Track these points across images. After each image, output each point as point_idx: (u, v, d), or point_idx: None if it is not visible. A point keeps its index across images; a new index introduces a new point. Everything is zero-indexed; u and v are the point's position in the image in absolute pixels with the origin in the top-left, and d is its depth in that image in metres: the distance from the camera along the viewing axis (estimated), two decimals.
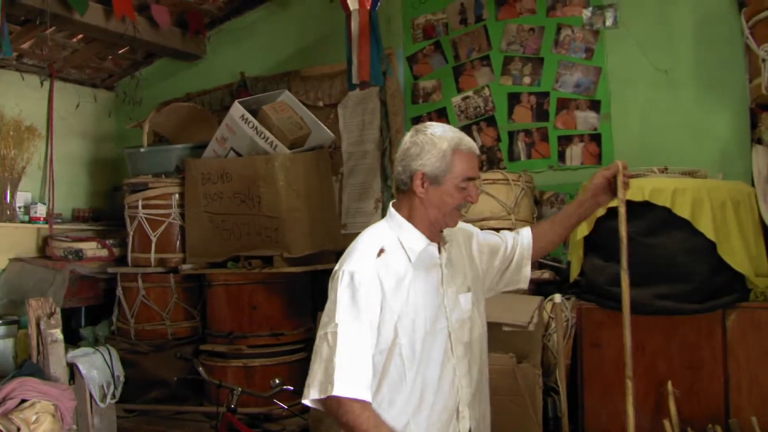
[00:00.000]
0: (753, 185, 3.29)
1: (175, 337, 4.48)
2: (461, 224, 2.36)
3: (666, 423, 3.01)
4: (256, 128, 4.21)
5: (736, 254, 3.03)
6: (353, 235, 4.70)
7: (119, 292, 4.58)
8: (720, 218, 3.02)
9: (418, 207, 2.18)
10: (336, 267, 2.15)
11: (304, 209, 4.18)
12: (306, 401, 2.04)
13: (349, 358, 2.00)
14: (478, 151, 2.21)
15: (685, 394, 3.07)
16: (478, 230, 2.46)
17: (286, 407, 3.61)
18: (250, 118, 4.22)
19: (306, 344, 4.29)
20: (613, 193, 2.38)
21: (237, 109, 4.22)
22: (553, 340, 3.31)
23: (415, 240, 2.17)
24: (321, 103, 4.94)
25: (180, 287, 4.50)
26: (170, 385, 4.28)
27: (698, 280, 3.02)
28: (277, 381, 3.47)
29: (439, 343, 2.16)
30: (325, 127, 4.46)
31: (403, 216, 2.20)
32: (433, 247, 2.21)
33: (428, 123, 2.22)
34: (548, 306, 3.38)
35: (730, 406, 3.05)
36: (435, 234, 2.22)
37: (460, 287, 2.27)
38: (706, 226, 2.99)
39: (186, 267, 4.42)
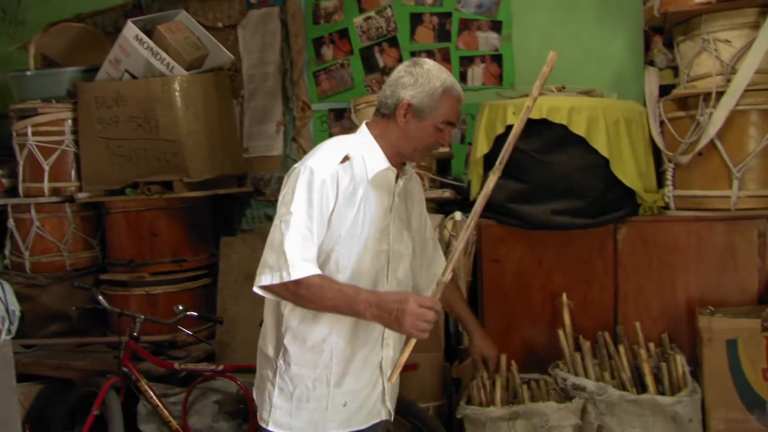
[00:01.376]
0: (645, 105, 3.39)
1: (74, 268, 4.34)
2: (420, 184, 2.51)
3: (560, 332, 3.15)
4: (152, 49, 4.05)
5: (628, 171, 3.13)
6: (256, 159, 4.71)
7: (11, 224, 4.38)
8: (613, 136, 3.10)
9: (392, 132, 2.22)
10: (296, 164, 2.19)
11: (203, 132, 4.09)
12: (256, 288, 2.10)
13: (302, 243, 2.05)
14: (464, 100, 2.29)
15: (578, 305, 3.20)
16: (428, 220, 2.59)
17: (190, 333, 3.60)
18: (145, 38, 4.05)
19: (210, 270, 4.26)
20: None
21: (130, 29, 4.03)
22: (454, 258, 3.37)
23: (378, 159, 2.21)
24: (220, 24, 4.77)
25: (77, 216, 4.36)
26: (71, 318, 4.19)
27: (592, 196, 3.11)
28: (181, 307, 3.45)
29: (376, 264, 2.23)
30: (224, 48, 4.33)
31: (373, 135, 2.23)
32: (392, 173, 2.25)
33: (425, 59, 2.27)
34: (449, 224, 3.43)
35: (618, 315, 3.22)
36: (397, 163, 2.26)
37: (406, 224, 2.34)
38: (600, 144, 3.06)
39: (82, 195, 4.27)
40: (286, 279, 2.02)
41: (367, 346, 2.26)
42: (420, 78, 2.19)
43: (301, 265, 2.03)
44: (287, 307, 2.20)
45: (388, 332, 2.28)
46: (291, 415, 2.22)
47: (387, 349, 2.31)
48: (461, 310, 2.73)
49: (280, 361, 2.22)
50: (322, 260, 2.15)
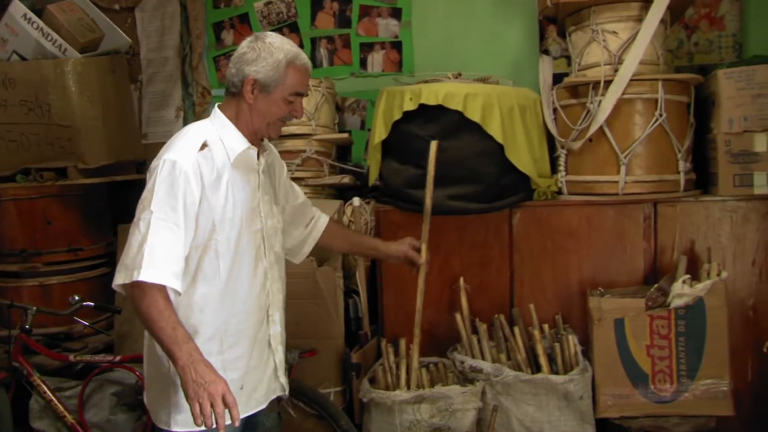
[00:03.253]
0: (539, 93, 3.48)
1: None
2: (278, 154, 2.49)
3: (458, 316, 3.22)
4: (42, 29, 3.89)
5: (522, 156, 3.22)
6: (154, 145, 4.60)
7: None
8: (508, 122, 3.18)
9: (244, 111, 2.20)
10: (155, 159, 2.11)
11: (99, 117, 3.95)
12: (114, 286, 2.03)
13: (160, 246, 1.99)
14: (311, 69, 2.26)
15: (475, 289, 3.30)
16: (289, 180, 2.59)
17: (87, 324, 3.49)
18: (34, 18, 3.88)
19: (107, 259, 4.14)
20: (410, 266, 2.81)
21: (17, 8, 3.86)
22: None
23: (237, 140, 2.19)
24: (117, 6, 4.63)
25: None
26: None
27: (488, 182, 3.19)
28: (76, 297, 3.34)
29: (254, 244, 2.23)
30: (120, 31, 4.20)
31: (227, 117, 2.21)
32: (253, 151, 2.24)
33: (268, 33, 2.24)
34: (348, 210, 3.46)
35: (514, 297, 3.32)
36: (255, 141, 2.25)
37: (272, 197, 2.35)
38: (495, 130, 3.14)
39: None
40: (135, 278, 1.96)
41: (255, 327, 2.27)
42: (262, 52, 2.17)
43: (154, 271, 1.97)
44: (176, 301, 2.12)
45: (272, 308, 2.32)
46: (189, 411, 2.17)
47: (273, 326, 2.34)
48: (358, 239, 2.86)
49: (166, 358, 2.12)
50: (201, 251, 2.13)
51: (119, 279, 2.01)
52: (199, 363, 1.94)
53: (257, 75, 2.16)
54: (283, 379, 2.40)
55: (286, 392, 2.44)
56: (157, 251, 1.99)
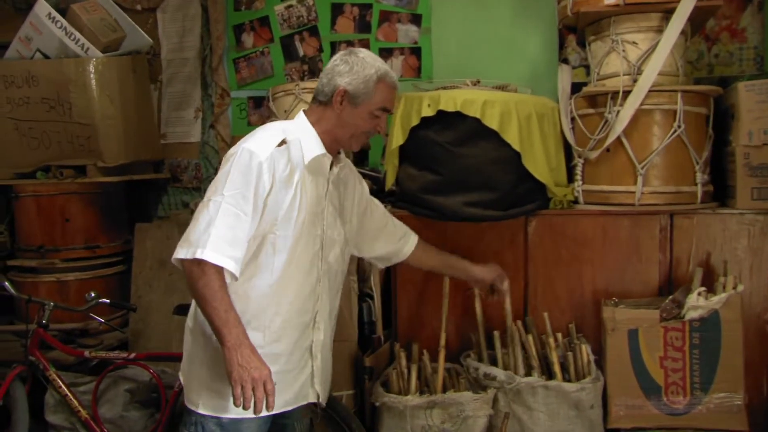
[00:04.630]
0: (558, 101, 3.48)
1: None
2: (356, 173, 2.57)
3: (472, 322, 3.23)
4: (65, 29, 3.94)
5: (539, 165, 3.21)
6: (173, 145, 4.65)
7: None
8: (525, 130, 3.17)
9: (329, 119, 2.26)
10: (233, 147, 2.20)
11: (119, 117, 4.00)
12: (173, 260, 2.08)
13: (226, 229, 2.05)
14: (399, 87, 2.32)
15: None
16: (370, 197, 2.68)
17: (102, 321, 3.52)
18: (58, 17, 3.94)
19: (124, 257, 4.18)
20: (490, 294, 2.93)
21: (42, 7, 3.92)
22: None
23: (314, 144, 2.24)
24: (139, 7, 4.67)
25: None
26: None
27: (504, 189, 3.18)
28: (92, 294, 3.37)
29: (311, 248, 2.26)
30: (142, 31, 4.24)
31: (310, 122, 2.26)
32: (328, 159, 2.29)
33: (361, 48, 2.34)
34: None
35: (528, 305, 3.31)
36: (332, 150, 2.31)
37: (339, 211, 2.39)
38: (512, 138, 3.13)
39: None
40: (197, 256, 2.02)
41: (299, 329, 2.29)
42: (355, 66, 2.24)
43: (216, 253, 2.03)
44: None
45: (320, 316, 2.34)
46: (222, 397, 2.21)
47: (317, 333, 2.36)
48: (449, 260, 2.88)
49: (213, 341, 2.18)
50: (259, 242, 2.18)
51: (180, 253, 2.05)
52: (246, 347, 2.02)
53: (348, 86, 2.23)
54: (319, 388, 2.40)
55: (321, 401, 2.42)
56: (222, 234, 2.05)
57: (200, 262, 2.03)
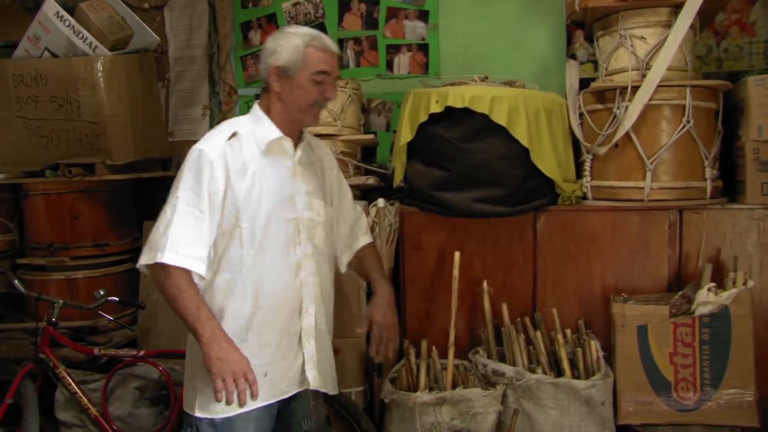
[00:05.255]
0: (566, 97, 3.47)
1: None
2: (327, 148, 2.53)
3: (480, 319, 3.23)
4: (73, 27, 3.94)
5: (547, 161, 3.21)
6: (181, 143, 4.65)
7: None
8: (534, 126, 3.18)
9: (275, 103, 2.26)
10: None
11: (127, 114, 3.99)
12: (138, 266, 2.15)
13: (183, 230, 2.09)
14: (335, 50, 2.29)
15: (498, 293, 3.28)
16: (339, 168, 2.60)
17: (111, 318, 3.54)
18: (66, 15, 3.93)
19: (132, 254, 4.18)
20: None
21: (51, 6, 3.91)
22: (377, 244, 3.41)
23: (269, 131, 2.24)
24: (146, 5, 4.68)
25: None
26: None
27: (512, 185, 3.19)
28: (102, 292, 3.38)
29: (284, 234, 2.25)
30: (150, 29, 4.24)
31: (262, 110, 2.27)
32: (287, 142, 2.28)
33: (290, 26, 2.36)
34: (372, 211, 3.46)
35: (537, 301, 3.31)
36: (293, 132, 2.30)
37: (315, 191, 2.35)
38: (521, 133, 3.14)
39: None
40: (158, 260, 2.06)
41: (284, 317, 2.27)
42: (280, 40, 2.25)
43: (176, 254, 2.07)
44: (201, 285, 2.20)
45: (308, 301, 2.31)
46: (213, 397, 2.18)
47: (307, 318, 2.32)
48: (372, 273, 2.63)
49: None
50: (227, 239, 2.19)
51: (143, 260, 2.12)
52: (221, 340, 2.06)
53: (278, 62, 2.22)
54: (315, 373, 2.35)
55: (319, 387, 2.38)
56: (180, 235, 2.09)
57: (163, 266, 2.07)
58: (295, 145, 2.32)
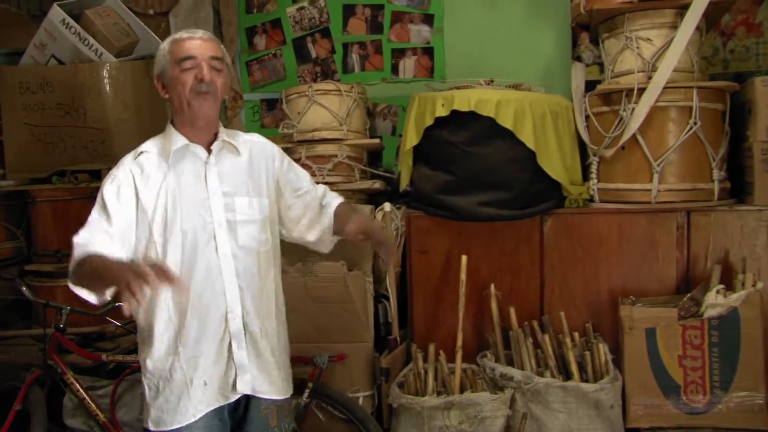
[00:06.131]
0: (572, 100, 3.46)
1: None
2: (266, 142, 2.48)
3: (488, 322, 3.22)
4: (79, 34, 3.95)
5: (554, 163, 3.21)
6: None
7: None
8: (540, 129, 3.17)
9: (173, 112, 2.30)
10: None
11: (133, 121, 4.01)
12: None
13: (84, 234, 2.17)
14: (200, 34, 2.28)
15: (505, 296, 3.27)
16: (287, 159, 2.52)
17: (119, 324, 3.54)
18: (72, 23, 3.95)
19: None
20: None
21: (56, 13, 3.92)
22: None
23: (174, 141, 2.25)
24: (151, 11, 4.68)
25: (0, 206, 4.22)
26: None
27: (519, 188, 3.18)
28: (109, 298, 3.37)
29: (201, 240, 2.24)
30: (155, 35, 4.25)
31: (172, 124, 2.30)
32: (196, 147, 2.27)
33: None
34: (379, 215, 3.46)
35: (544, 305, 3.30)
36: (200, 135, 2.29)
37: (237, 190, 2.31)
38: (527, 137, 3.13)
39: (6, 183, 4.13)
40: (70, 269, 2.14)
41: (210, 323, 2.24)
42: (156, 56, 2.31)
43: (73, 258, 2.13)
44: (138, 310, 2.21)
45: (234, 303, 2.26)
46: (163, 411, 2.25)
47: (234, 322, 2.26)
48: (345, 217, 2.46)
49: (142, 360, 2.30)
50: (144, 253, 2.22)
51: (69, 277, 2.18)
52: (126, 263, 2.04)
53: (155, 71, 2.29)
54: (243, 378, 2.28)
55: (248, 392, 2.31)
56: (85, 236, 2.16)
57: (75, 269, 2.13)
58: (210, 148, 2.30)
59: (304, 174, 2.56)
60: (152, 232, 2.21)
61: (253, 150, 2.42)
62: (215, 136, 2.32)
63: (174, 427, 2.23)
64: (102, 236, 2.14)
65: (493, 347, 3.23)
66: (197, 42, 2.25)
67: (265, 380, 2.34)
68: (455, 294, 3.15)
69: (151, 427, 2.26)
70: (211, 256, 2.25)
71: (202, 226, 2.24)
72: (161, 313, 2.22)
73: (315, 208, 2.51)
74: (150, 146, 2.30)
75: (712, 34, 3.81)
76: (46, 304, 3.32)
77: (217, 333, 2.26)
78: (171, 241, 2.21)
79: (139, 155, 2.27)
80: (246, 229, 2.31)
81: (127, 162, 2.26)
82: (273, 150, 2.49)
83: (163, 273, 1.83)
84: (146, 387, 2.28)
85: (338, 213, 2.51)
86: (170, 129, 2.29)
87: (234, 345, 2.27)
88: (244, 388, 2.29)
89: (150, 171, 2.23)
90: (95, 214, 2.21)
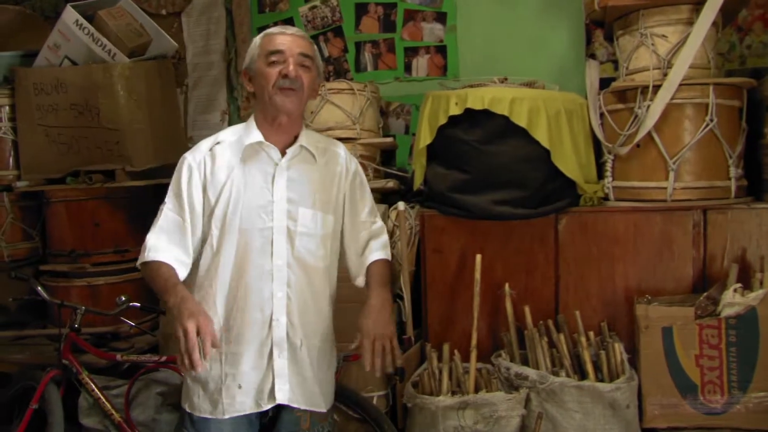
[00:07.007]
0: (586, 97, 3.44)
1: (13, 259, 4.21)
2: (346, 155, 2.42)
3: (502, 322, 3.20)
4: (92, 35, 3.97)
5: (568, 162, 3.19)
6: None
7: None
8: (554, 127, 3.15)
9: (255, 106, 2.31)
10: None
11: (146, 121, 4.02)
12: (137, 265, 2.29)
13: (162, 231, 2.23)
14: (291, 31, 2.29)
15: (520, 295, 3.25)
16: (360, 177, 2.47)
17: (133, 324, 3.54)
18: (86, 23, 3.97)
19: None
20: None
21: (70, 14, 3.95)
22: (397, 248, 3.40)
23: (251, 137, 2.24)
24: (164, 11, 4.72)
25: (16, 206, 4.24)
26: (8, 310, 4.09)
27: (533, 187, 3.16)
28: (123, 298, 3.38)
29: (257, 243, 2.23)
30: (167, 35, 4.26)
31: (253, 118, 2.30)
32: (270, 148, 2.25)
33: None
34: (393, 214, 3.45)
35: (559, 304, 3.28)
36: (278, 134, 2.26)
37: (303, 200, 2.27)
38: (541, 135, 3.11)
39: (21, 184, 4.16)
40: (142, 260, 2.22)
41: (258, 327, 2.24)
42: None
43: (155, 252, 2.19)
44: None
45: (279, 313, 2.24)
46: (198, 397, 2.27)
47: (278, 330, 2.24)
48: (370, 283, 2.39)
49: None
50: (205, 244, 2.26)
51: (139, 260, 2.26)
52: (187, 300, 2.06)
53: (245, 65, 2.31)
54: (282, 388, 2.25)
55: (287, 402, 2.27)
56: (163, 237, 2.22)
57: (146, 264, 2.20)
58: (285, 150, 2.28)
59: (369, 201, 2.47)
60: (211, 225, 2.23)
61: (330, 162, 2.38)
62: (295, 139, 2.30)
63: (204, 415, 2.25)
64: (171, 246, 2.21)
65: (508, 347, 3.22)
66: (288, 38, 2.25)
67: (302, 393, 2.30)
68: (469, 293, 3.14)
69: (187, 408, 2.31)
70: (265, 260, 2.23)
71: (260, 229, 2.23)
72: (211, 304, 2.24)
73: (359, 247, 2.44)
74: (228, 135, 2.31)
75: (729, 29, 3.77)
76: (61, 304, 3.34)
77: (260, 336, 2.25)
78: (227, 238, 2.22)
79: (215, 145, 2.27)
80: (303, 241, 2.27)
81: (204, 149, 2.28)
82: (350, 165, 2.43)
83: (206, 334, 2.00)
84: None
85: (369, 271, 2.40)
86: (251, 122, 2.29)
87: (275, 353, 2.25)
88: (280, 398, 2.25)
89: (221, 163, 2.23)
90: (169, 204, 2.26)
